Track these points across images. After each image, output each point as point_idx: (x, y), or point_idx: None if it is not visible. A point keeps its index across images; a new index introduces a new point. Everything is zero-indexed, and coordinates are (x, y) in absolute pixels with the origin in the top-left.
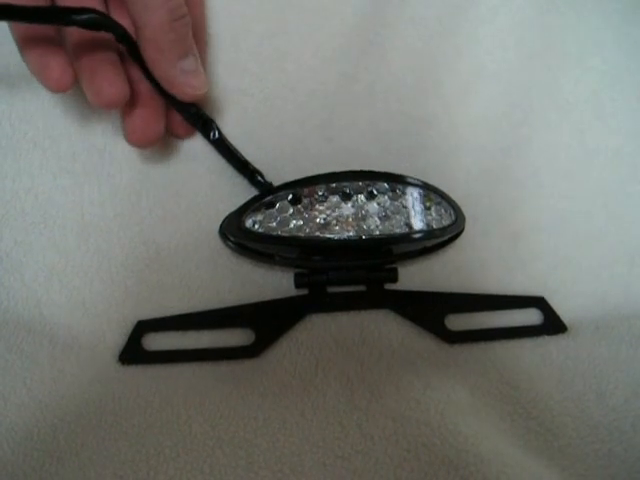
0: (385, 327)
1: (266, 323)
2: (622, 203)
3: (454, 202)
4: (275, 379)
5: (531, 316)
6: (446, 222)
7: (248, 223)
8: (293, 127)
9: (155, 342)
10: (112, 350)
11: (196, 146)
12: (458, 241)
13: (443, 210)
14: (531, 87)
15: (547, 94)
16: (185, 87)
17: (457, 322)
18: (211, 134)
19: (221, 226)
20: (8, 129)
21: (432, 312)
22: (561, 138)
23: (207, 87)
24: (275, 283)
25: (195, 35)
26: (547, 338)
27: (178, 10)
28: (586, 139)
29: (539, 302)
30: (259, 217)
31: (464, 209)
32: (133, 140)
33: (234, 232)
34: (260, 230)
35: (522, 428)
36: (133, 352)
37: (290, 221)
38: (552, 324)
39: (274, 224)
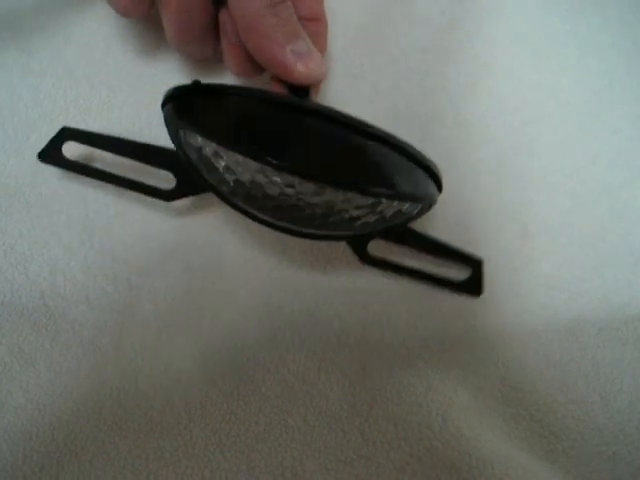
0: (387, 327)
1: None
2: (625, 203)
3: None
4: (277, 379)
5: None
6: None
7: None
8: None
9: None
10: (113, 342)
11: None
12: (466, 238)
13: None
14: (536, 86)
15: (549, 94)
16: (299, 69)
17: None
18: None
19: None
20: (11, 132)
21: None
22: (564, 137)
23: (325, 70)
24: None
25: (313, 28)
26: (551, 339)
27: None
28: (588, 139)
29: (474, 263)
30: None
31: (473, 205)
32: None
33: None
34: None
35: (525, 431)
36: (52, 154)
37: None
38: (471, 285)
39: None
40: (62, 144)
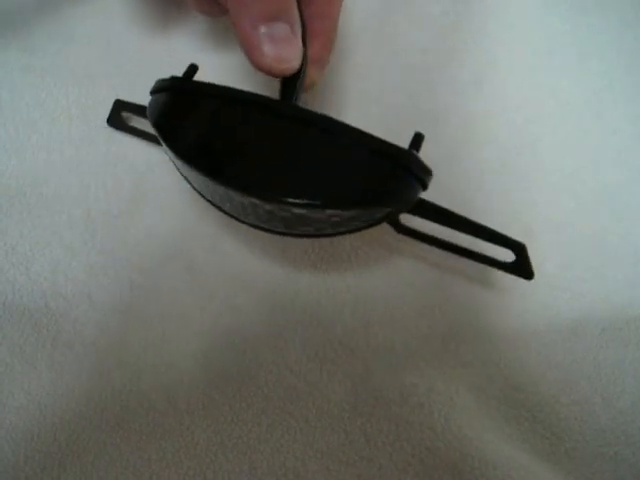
0: (390, 328)
1: None
2: (627, 203)
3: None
4: (280, 380)
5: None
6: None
7: None
8: None
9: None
10: (115, 340)
11: None
12: (469, 240)
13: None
14: (538, 85)
15: (551, 94)
16: (265, 52)
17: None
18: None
19: None
20: (12, 132)
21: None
22: (566, 137)
23: (296, 63)
24: None
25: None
26: (553, 339)
27: None
28: (589, 139)
29: (517, 247)
30: None
31: (477, 204)
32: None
33: None
34: None
35: (528, 432)
36: (117, 121)
37: None
38: (520, 268)
39: None
40: (119, 113)
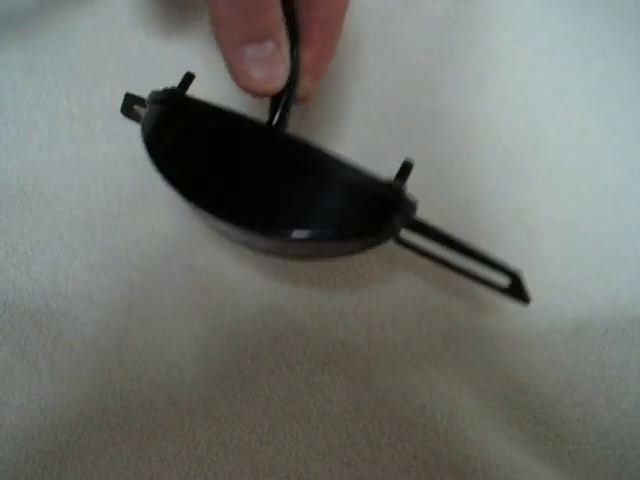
0: (391, 329)
1: None
2: (630, 203)
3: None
4: (281, 381)
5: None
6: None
7: None
8: (303, 121)
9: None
10: (116, 340)
11: None
12: (472, 239)
13: None
14: (541, 85)
15: (554, 94)
16: (249, 78)
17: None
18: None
19: None
20: (13, 131)
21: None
22: (569, 138)
23: (279, 83)
24: None
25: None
26: (556, 340)
27: None
28: (592, 139)
29: (512, 275)
30: None
31: (478, 205)
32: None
33: None
34: None
35: (531, 433)
36: (129, 110)
37: None
38: (516, 293)
39: None
40: (132, 105)
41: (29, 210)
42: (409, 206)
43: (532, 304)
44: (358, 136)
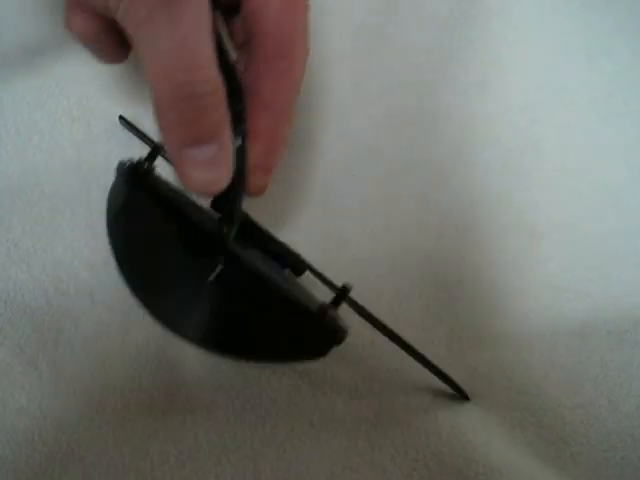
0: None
1: None
2: (631, 203)
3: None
4: (284, 383)
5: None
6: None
7: None
8: (305, 120)
9: None
10: (117, 340)
11: None
12: (473, 241)
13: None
14: (543, 85)
15: (556, 94)
16: (191, 179)
17: None
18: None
19: None
20: (14, 133)
21: None
22: (570, 138)
23: (223, 185)
24: None
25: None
26: (558, 341)
27: (187, 87)
28: (595, 139)
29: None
30: None
31: (479, 206)
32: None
33: None
34: None
35: (532, 436)
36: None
37: None
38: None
39: None
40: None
41: (30, 209)
42: (341, 333)
43: (533, 304)
44: (358, 136)
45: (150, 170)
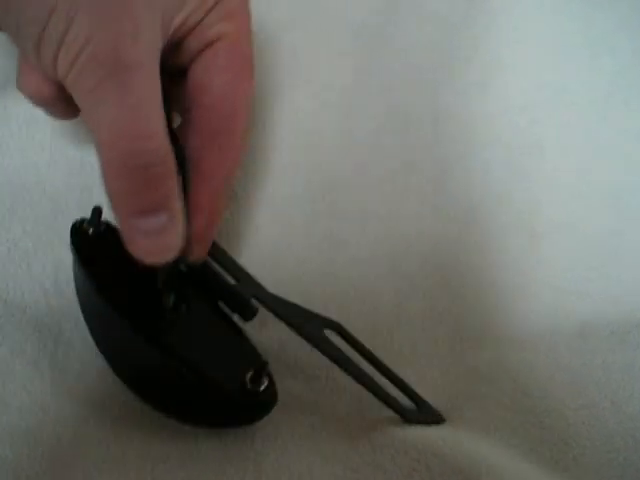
0: (396, 330)
1: None
2: (633, 204)
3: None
4: (285, 384)
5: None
6: None
7: None
8: (307, 119)
9: None
10: None
11: None
12: (474, 241)
13: None
14: (544, 85)
15: (558, 94)
16: (139, 248)
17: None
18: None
19: None
20: (16, 130)
21: None
22: (571, 138)
23: (172, 254)
24: None
25: (211, 192)
26: (560, 342)
27: (137, 157)
28: (595, 139)
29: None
30: None
31: (480, 206)
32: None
33: None
34: None
35: (535, 438)
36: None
37: None
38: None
39: None
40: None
41: (31, 208)
42: (265, 406)
43: (534, 305)
44: (358, 136)
45: (92, 232)
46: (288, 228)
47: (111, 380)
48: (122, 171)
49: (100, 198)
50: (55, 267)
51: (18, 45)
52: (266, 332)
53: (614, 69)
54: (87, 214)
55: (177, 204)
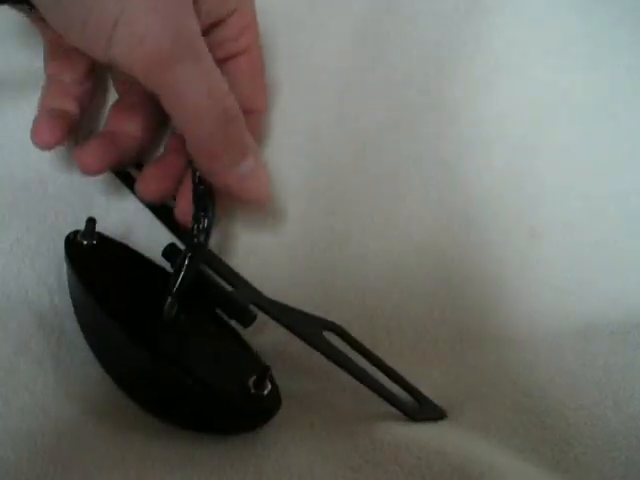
0: (397, 331)
1: None
2: (634, 205)
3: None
4: (286, 385)
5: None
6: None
7: None
8: (308, 116)
9: None
10: None
11: None
12: (474, 241)
13: None
14: (547, 85)
15: (561, 94)
16: (246, 194)
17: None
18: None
19: None
20: (17, 130)
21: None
22: (574, 139)
23: (268, 186)
24: None
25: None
26: (561, 342)
27: (229, 111)
28: (597, 140)
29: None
30: None
31: (481, 205)
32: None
33: None
34: None
35: (537, 438)
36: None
37: None
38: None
39: None
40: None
41: (34, 206)
42: (268, 412)
43: (534, 305)
44: (361, 134)
45: (86, 244)
46: (287, 226)
47: (112, 383)
48: (220, 128)
49: (100, 197)
50: (59, 264)
51: (78, 43)
52: (265, 336)
53: (614, 69)
54: (88, 213)
55: (255, 146)
